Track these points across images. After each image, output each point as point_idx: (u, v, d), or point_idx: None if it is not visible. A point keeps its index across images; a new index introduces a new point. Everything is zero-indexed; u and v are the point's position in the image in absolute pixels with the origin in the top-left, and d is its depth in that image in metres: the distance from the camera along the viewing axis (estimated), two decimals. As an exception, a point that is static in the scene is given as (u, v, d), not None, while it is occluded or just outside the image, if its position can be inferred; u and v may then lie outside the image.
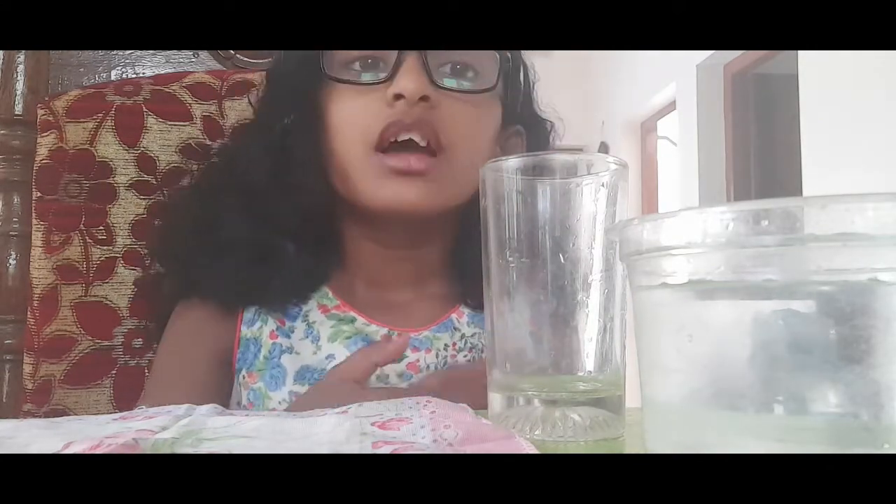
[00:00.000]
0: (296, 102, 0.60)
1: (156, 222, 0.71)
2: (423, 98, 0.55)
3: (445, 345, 0.62)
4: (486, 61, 0.60)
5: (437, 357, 0.61)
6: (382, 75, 0.57)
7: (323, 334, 0.61)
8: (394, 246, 0.63)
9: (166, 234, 0.66)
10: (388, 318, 0.62)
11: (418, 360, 0.61)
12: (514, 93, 0.64)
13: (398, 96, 0.55)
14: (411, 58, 0.56)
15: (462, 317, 0.64)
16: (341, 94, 0.58)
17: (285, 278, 0.60)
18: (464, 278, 0.64)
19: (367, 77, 0.58)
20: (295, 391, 0.59)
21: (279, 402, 0.59)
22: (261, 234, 0.60)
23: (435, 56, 0.57)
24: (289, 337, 0.61)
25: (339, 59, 0.58)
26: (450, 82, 0.58)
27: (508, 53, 0.62)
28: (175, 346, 0.63)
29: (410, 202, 0.57)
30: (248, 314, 0.62)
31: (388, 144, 0.56)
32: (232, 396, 0.63)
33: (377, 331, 0.61)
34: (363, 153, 0.57)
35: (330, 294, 0.63)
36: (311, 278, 0.63)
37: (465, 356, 0.63)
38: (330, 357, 0.60)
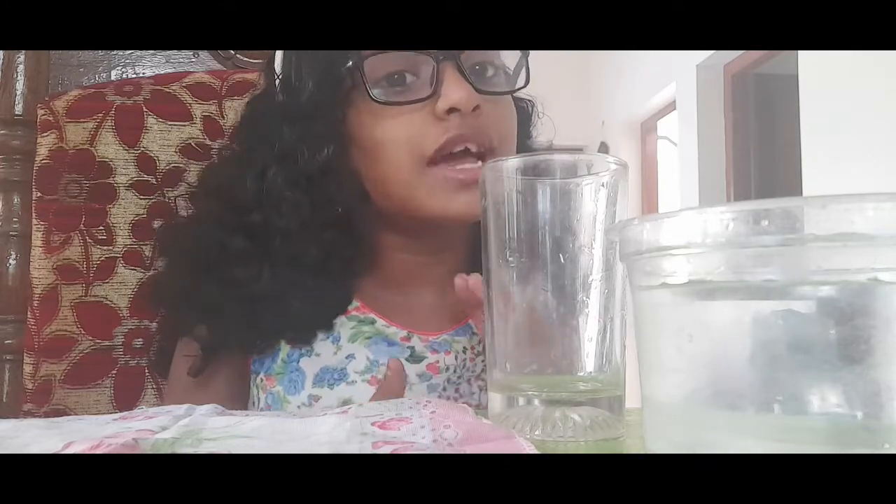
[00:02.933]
0: (333, 133, 0.58)
1: (168, 274, 0.68)
2: (476, 108, 0.55)
3: (464, 348, 0.62)
4: (508, 57, 0.60)
5: (456, 359, 0.62)
6: (419, 91, 0.56)
7: (343, 335, 0.61)
8: (420, 252, 0.64)
9: (182, 287, 0.63)
10: (407, 321, 0.62)
11: (438, 362, 0.61)
12: None
13: (452, 109, 0.55)
14: (450, 69, 0.55)
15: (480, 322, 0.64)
16: (381, 114, 0.57)
17: (313, 312, 0.60)
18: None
19: (395, 92, 0.57)
20: (314, 394, 0.59)
21: (297, 407, 0.58)
22: (289, 275, 0.58)
23: (467, 58, 0.56)
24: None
25: (369, 76, 0.57)
26: (488, 77, 0.59)
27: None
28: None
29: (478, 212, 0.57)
30: None
31: (442, 157, 0.56)
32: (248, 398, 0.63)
33: (396, 333, 0.62)
34: (415, 168, 0.56)
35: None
36: (337, 305, 0.62)
37: (484, 360, 0.62)
38: (350, 357, 0.60)
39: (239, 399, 0.62)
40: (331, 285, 0.60)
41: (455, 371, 0.61)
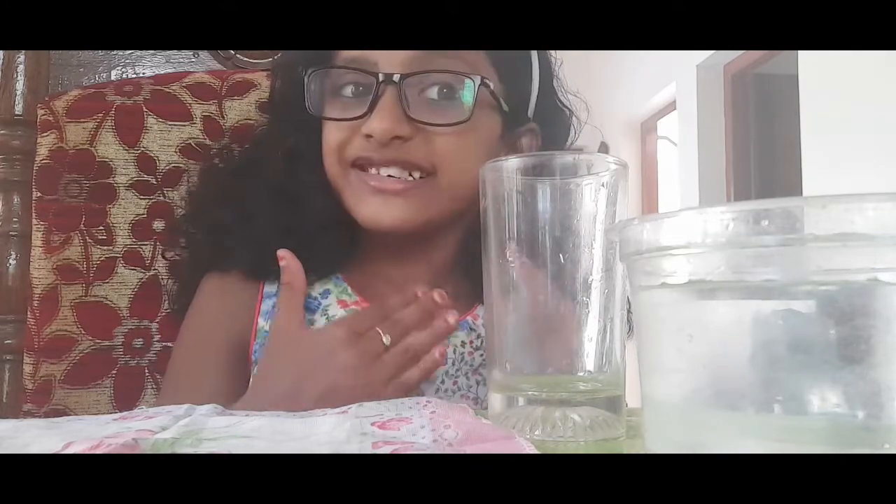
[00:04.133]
0: (294, 127, 0.64)
1: (188, 193, 0.72)
2: (396, 137, 0.57)
3: (462, 342, 0.63)
4: (467, 86, 0.59)
5: (454, 352, 0.62)
6: (367, 102, 0.58)
7: None
8: (405, 247, 0.65)
9: (199, 203, 0.68)
10: None
11: None
12: (521, 94, 0.64)
13: (368, 136, 0.57)
14: (388, 94, 0.57)
15: (478, 319, 0.65)
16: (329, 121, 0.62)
17: (310, 251, 0.62)
18: (477, 278, 0.64)
19: (357, 100, 0.59)
20: None
21: None
22: (287, 212, 0.62)
23: (418, 82, 0.58)
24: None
25: (332, 83, 0.61)
26: (439, 101, 0.59)
27: (513, 60, 0.62)
28: (197, 330, 0.64)
29: (390, 219, 0.59)
30: (266, 305, 0.63)
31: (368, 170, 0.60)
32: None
33: None
34: (343, 170, 0.61)
35: (349, 290, 0.65)
36: (334, 257, 0.64)
37: (482, 354, 0.63)
38: None
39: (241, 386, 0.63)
40: (328, 234, 0.63)
41: (453, 364, 0.62)
